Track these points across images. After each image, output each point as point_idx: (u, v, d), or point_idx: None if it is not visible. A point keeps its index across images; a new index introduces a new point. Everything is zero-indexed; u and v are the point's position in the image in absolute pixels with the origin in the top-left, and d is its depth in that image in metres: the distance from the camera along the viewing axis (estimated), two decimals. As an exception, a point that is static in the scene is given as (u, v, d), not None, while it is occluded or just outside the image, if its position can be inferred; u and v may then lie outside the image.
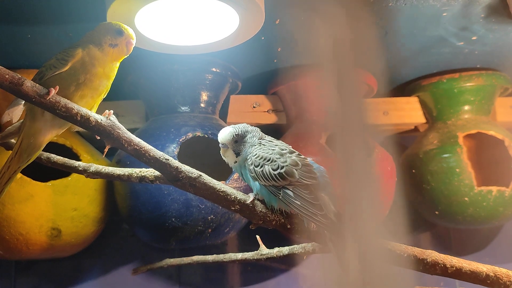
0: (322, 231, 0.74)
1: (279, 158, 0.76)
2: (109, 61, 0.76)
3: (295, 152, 0.78)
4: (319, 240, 0.78)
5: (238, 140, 0.81)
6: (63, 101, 0.71)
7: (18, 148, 0.76)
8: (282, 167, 0.75)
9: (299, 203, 0.73)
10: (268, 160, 0.76)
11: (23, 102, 0.77)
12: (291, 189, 0.74)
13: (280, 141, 0.82)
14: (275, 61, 1.21)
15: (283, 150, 0.78)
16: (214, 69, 1.17)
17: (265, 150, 0.78)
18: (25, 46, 1.06)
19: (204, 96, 1.20)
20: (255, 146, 0.79)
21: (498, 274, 0.77)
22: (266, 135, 0.83)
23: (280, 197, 0.75)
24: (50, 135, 0.77)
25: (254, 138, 0.81)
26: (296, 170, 0.75)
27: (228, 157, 0.83)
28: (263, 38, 1.08)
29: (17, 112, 0.79)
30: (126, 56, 0.78)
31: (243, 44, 1.00)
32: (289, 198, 0.74)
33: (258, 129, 0.83)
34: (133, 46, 0.78)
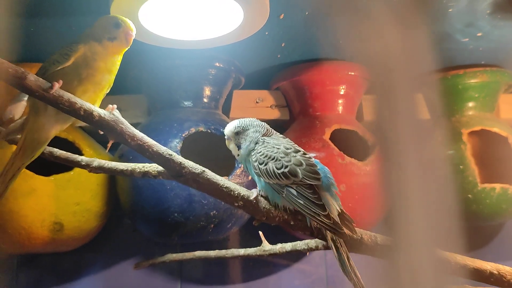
0: (324, 231, 0.74)
1: (284, 157, 0.76)
2: (109, 55, 0.75)
3: (300, 151, 0.78)
4: (322, 237, 0.77)
5: (239, 133, 0.81)
6: (66, 95, 0.70)
7: (22, 144, 0.76)
8: (286, 167, 0.75)
9: (302, 202, 0.73)
10: (272, 159, 0.76)
11: (26, 98, 0.77)
12: (294, 188, 0.74)
13: (287, 139, 0.82)
14: (278, 56, 1.21)
15: (288, 149, 0.77)
16: (217, 64, 1.17)
17: (270, 148, 0.78)
18: (28, 39, 1.05)
19: (207, 91, 1.20)
20: (259, 144, 0.79)
21: (501, 272, 0.77)
22: (275, 132, 0.83)
23: (284, 195, 0.75)
24: (54, 130, 0.77)
25: (257, 134, 0.81)
26: (299, 169, 0.75)
27: (232, 150, 0.83)
28: (267, 33, 1.07)
29: (19, 109, 0.79)
30: (126, 49, 0.77)
31: (247, 39, 0.99)
32: (293, 197, 0.74)
33: (266, 125, 0.83)
34: (133, 37, 0.76)
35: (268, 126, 0.83)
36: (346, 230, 0.74)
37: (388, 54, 0.48)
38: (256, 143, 0.80)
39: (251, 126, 0.82)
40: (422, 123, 0.50)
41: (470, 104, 1.34)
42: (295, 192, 0.74)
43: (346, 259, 0.72)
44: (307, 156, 0.77)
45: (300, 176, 0.74)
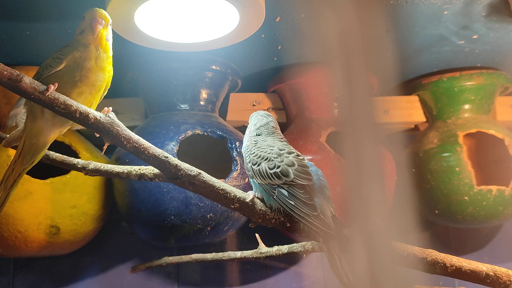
0: (315, 232, 0.74)
1: (277, 157, 0.77)
2: (89, 49, 0.74)
3: (293, 152, 0.79)
4: (316, 239, 0.77)
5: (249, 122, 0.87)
6: (62, 97, 0.70)
7: (21, 150, 0.76)
8: (279, 167, 0.76)
9: (293, 203, 0.73)
10: (265, 159, 0.77)
11: (24, 103, 0.77)
12: (286, 189, 0.75)
13: (283, 141, 0.82)
14: (275, 59, 1.21)
15: (281, 150, 0.78)
16: (214, 67, 1.17)
17: (263, 148, 0.79)
18: (24, 43, 1.06)
19: (204, 94, 1.20)
20: (253, 144, 0.80)
21: (498, 274, 0.77)
22: (278, 133, 0.84)
23: (275, 196, 0.75)
24: (53, 135, 0.77)
25: (253, 133, 0.84)
26: (291, 170, 0.75)
27: None
28: (263, 36, 1.08)
29: (21, 116, 0.79)
30: (94, 36, 0.74)
31: (243, 41, 0.99)
32: (284, 198, 0.74)
33: (269, 125, 0.84)
34: (99, 23, 0.74)
35: (271, 125, 0.84)
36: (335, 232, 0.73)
37: (348, 53, 0.49)
38: (249, 139, 0.82)
39: (253, 121, 0.86)
40: (379, 124, 0.51)
41: (466, 106, 1.34)
42: (286, 193, 0.74)
43: (338, 261, 0.71)
44: (300, 157, 0.78)
45: (292, 176, 0.75)
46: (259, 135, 0.83)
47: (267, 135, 0.83)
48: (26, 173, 1.04)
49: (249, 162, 0.79)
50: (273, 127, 0.85)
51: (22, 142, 0.76)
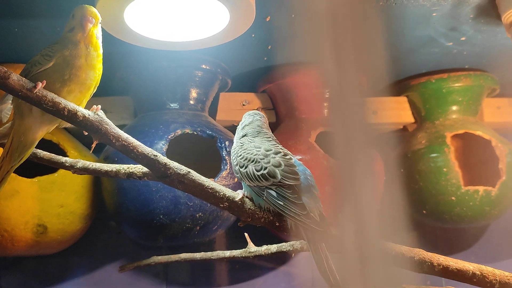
0: (303, 231, 0.74)
1: (263, 159, 0.77)
2: (78, 48, 0.73)
3: (280, 152, 0.78)
4: (304, 238, 0.77)
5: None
6: (50, 95, 0.70)
7: (9, 148, 0.75)
8: (265, 168, 0.76)
9: (282, 203, 0.74)
10: (252, 161, 0.77)
11: (11, 100, 0.76)
12: (274, 189, 0.75)
13: (271, 141, 0.82)
14: (265, 58, 1.21)
15: (268, 151, 0.78)
16: (204, 66, 1.17)
17: (250, 150, 0.79)
18: (12, 40, 1.05)
19: (194, 93, 1.20)
20: (239, 146, 0.81)
21: (484, 273, 0.78)
22: (267, 132, 0.84)
23: (264, 197, 0.75)
24: (41, 132, 0.76)
25: (240, 133, 0.84)
26: (278, 170, 0.75)
27: None
28: (253, 35, 1.08)
29: (6, 111, 0.78)
30: (84, 34, 0.73)
31: (233, 41, 0.99)
32: (273, 199, 0.74)
33: (254, 124, 0.84)
34: (90, 21, 0.73)
35: (256, 124, 0.84)
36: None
37: (340, 53, 0.49)
38: (236, 143, 0.82)
39: (243, 121, 0.86)
40: (371, 126, 0.51)
41: (454, 107, 1.36)
42: (275, 194, 0.74)
43: (324, 261, 0.71)
44: (287, 157, 0.78)
45: (279, 177, 0.75)
46: (245, 135, 0.83)
47: (254, 134, 0.83)
48: (13, 172, 1.04)
49: (237, 165, 0.79)
50: (258, 125, 0.84)
51: (10, 139, 0.75)
